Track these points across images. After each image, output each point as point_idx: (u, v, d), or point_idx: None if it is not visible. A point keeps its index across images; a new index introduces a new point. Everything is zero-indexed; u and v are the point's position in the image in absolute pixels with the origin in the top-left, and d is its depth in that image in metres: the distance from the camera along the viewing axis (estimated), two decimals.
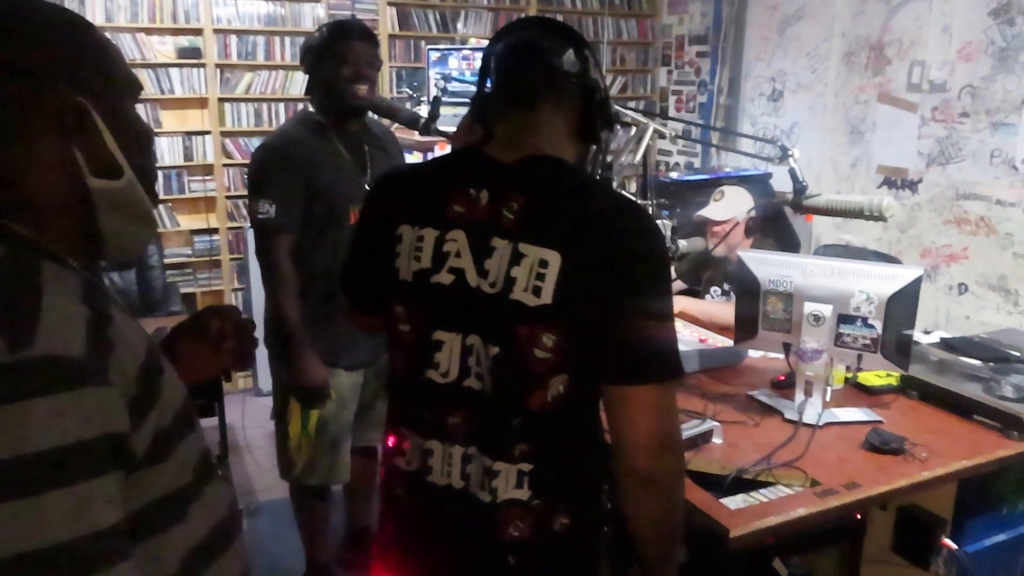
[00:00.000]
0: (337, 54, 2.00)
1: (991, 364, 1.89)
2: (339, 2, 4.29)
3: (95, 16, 3.81)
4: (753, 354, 2.08)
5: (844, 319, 1.66)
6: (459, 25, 4.66)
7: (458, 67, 3.59)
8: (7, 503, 0.58)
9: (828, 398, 1.73)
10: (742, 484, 1.43)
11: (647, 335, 0.97)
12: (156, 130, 4.04)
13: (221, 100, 4.16)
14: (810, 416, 1.67)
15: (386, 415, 1.18)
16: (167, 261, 4.01)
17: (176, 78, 4.05)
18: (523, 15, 4.64)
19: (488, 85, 1.12)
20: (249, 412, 3.55)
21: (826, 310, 1.66)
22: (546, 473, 1.03)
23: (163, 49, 4.03)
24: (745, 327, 1.82)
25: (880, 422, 1.69)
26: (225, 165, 4.23)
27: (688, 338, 2.19)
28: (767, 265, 1.77)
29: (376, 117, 2.25)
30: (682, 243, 1.98)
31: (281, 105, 4.31)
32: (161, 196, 4.12)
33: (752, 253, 1.84)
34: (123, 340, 0.69)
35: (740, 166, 4.19)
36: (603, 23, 4.97)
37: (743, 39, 4.55)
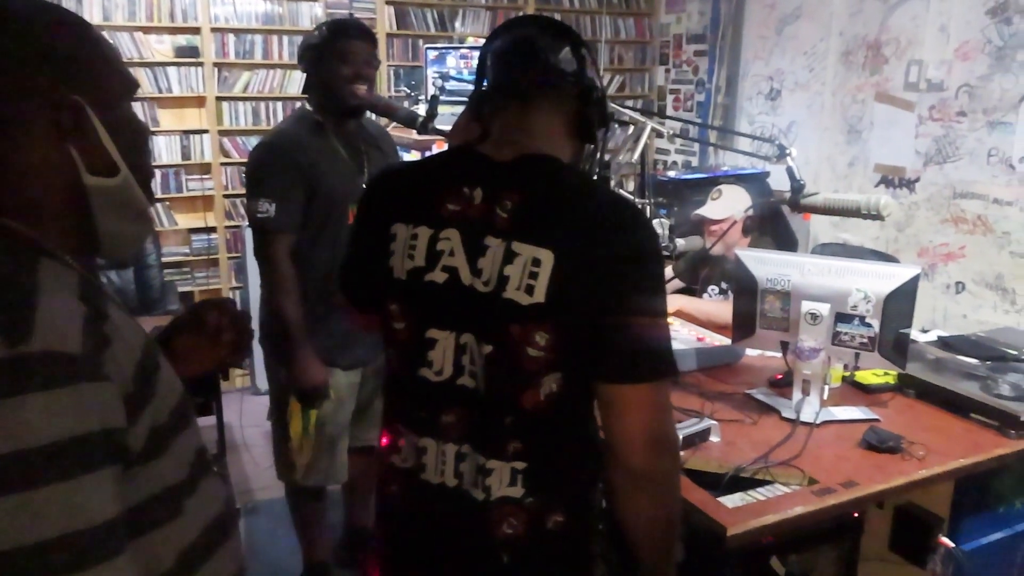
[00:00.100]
0: (336, 53, 2.00)
1: (988, 363, 1.90)
2: (337, 1, 4.29)
3: (92, 15, 3.80)
4: (751, 353, 2.08)
5: (842, 318, 1.66)
6: (457, 24, 4.66)
7: (456, 66, 3.59)
8: (3, 498, 0.59)
9: (826, 397, 1.73)
10: (739, 483, 1.43)
11: (640, 334, 0.97)
12: (154, 129, 4.04)
13: (219, 99, 4.16)
14: (808, 415, 1.67)
15: (382, 413, 1.18)
16: (165, 260, 4.01)
17: (174, 77, 4.05)
18: (521, 13, 4.63)
19: (485, 83, 1.12)
20: (246, 411, 3.55)
21: (824, 309, 1.67)
22: (539, 471, 1.03)
23: (161, 48, 4.03)
24: (743, 326, 1.82)
25: (877, 420, 1.70)
26: (223, 164, 4.22)
27: (686, 337, 2.19)
28: (765, 264, 1.77)
29: (372, 116, 2.25)
30: (680, 242, 1.99)
31: (279, 104, 4.31)
32: (159, 195, 4.12)
33: (750, 252, 1.84)
34: (119, 337, 0.70)
35: (738, 165, 4.19)
36: (601, 22, 4.97)
37: (741, 38, 4.55)
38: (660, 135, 1.93)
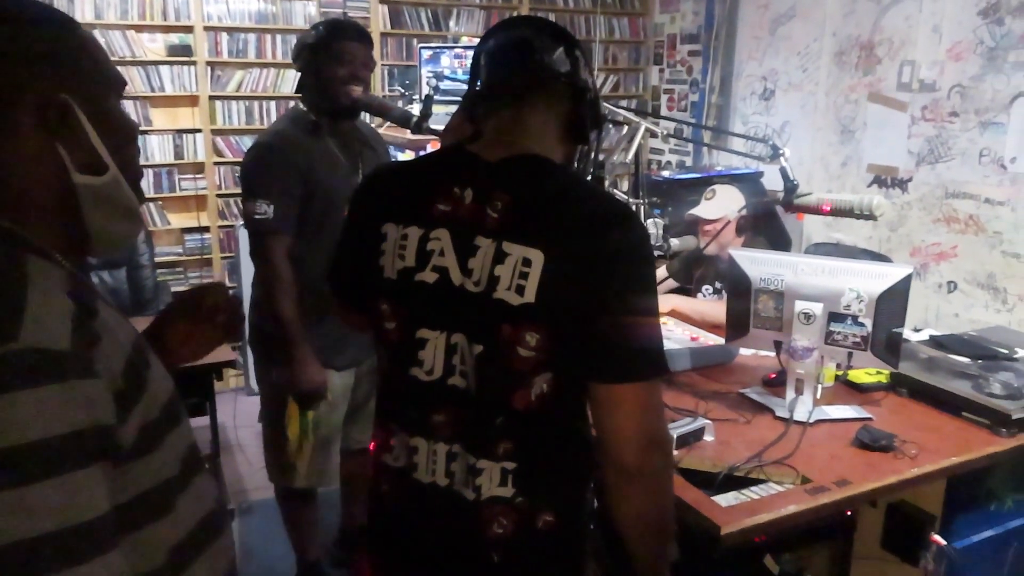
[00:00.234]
0: (332, 54, 2.00)
1: (980, 361, 1.91)
2: (331, 0, 4.28)
3: (84, 13, 3.78)
4: (744, 352, 2.09)
5: (835, 317, 1.67)
6: (451, 23, 4.66)
7: (450, 65, 3.59)
8: None
9: (819, 396, 1.74)
10: (733, 481, 1.44)
11: (631, 333, 0.97)
12: (146, 128, 4.02)
13: (212, 98, 4.14)
14: (801, 414, 1.67)
15: (374, 412, 1.18)
16: (158, 260, 3.99)
17: (166, 76, 4.03)
18: (515, 13, 4.63)
19: (479, 83, 1.12)
20: (240, 411, 3.54)
21: (817, 308, 1.67)
22: (530, 471, 1.03)
23: (153, 47, 4.01)
24: (736, 325, 1.82)
25: (870, 419, 1.70)
26: (216, 163, 4.21)
27: (680, 336, 2.19)
28: (758, 263, 1.77)
29: (366, 116, 2.25)
30: (674, 242, 1.99)
31: (272, 103, 4.29)
32: (152, 194, 4.10)
33: (743, 252, 1.85)
34: (109, 333, 0.70)
35: (732, 165, 4.20)
36: (595, 21, 4.97)
37: (735, 38, 4.56)
38: (654, 135, 1.93)
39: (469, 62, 1.13)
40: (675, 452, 1.52)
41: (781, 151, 1.90)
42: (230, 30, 4.13)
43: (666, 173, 4.18)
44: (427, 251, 1.02)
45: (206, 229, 4.25)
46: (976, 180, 3.29)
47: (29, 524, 0.60)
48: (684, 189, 3.61)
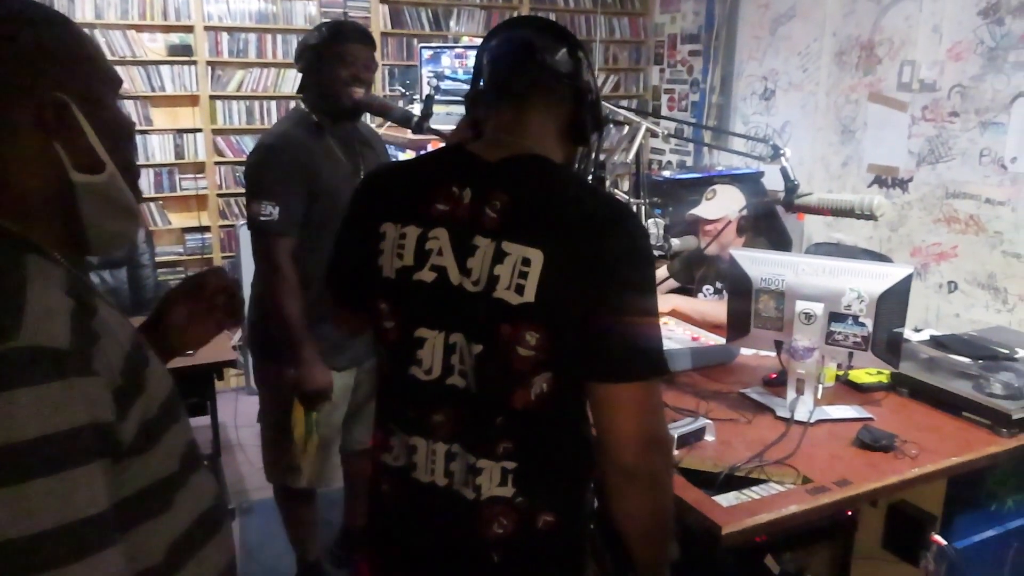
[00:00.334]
0: (335, 55, 2.00)
1: (980, 361, 1.91)
2: (331, 0, 4.28)
3: (85, 13, 3.79)
4: (745, 352, 2.09)
5: (835, 317, 1.67)
6: (452, 23, 4.66)
7: (451, 65, 3.59)
8: None
9: (819, 396, 1.74)
10: (734, 481, 1.44)
11: (631, 333, 0.97)
12: (147, 128, 4.02)
13: (212, 98, 4.14)
14: (801, 414, 1.68)
15: (375, 411, 1.18)
16: (158, 259, 3.99)
17: (167, 76, 4.03)
18: (516, 13, 4.64)
19: (481, 82, 1.12)
20: (241, 411, 3.54)
21: (817, 308, 1.67)
22: (530, 471, 1.03)
23: (154, 46, 4.01)
24: (737, 325, 1.82)
25: (871, 419, 1.70)
26: (217, 163, 4.21)
27: (680, 336, 2.20)
28: (759, 263, 1.77)
29: (367, 117, 2.25)
30: (675, 242, 1.99)
31: (273, 103, 4.30)
32: (152, 194, 4.10)
33: (744, 252, 1.85)
34: (108, 331, 0.70)
35: (732, 165, 4.21)
36: (595, 21, 4.97)
37: (735, 38, 4.56)
38: (655, 135, 1.93)
39: (469, 62, 1.14)
40: (676, 452, 1.52)
41: (782, 151, 1.90)
42: (230, 30, 4.13)
43: (667, 173, 4.19)
44: (425, 250, 1.02)
45: (207, 229, 4.26)
46: (976, 180, 3.29)
47: (28, 521, 0.60)
48: (685, 189, 3.61)
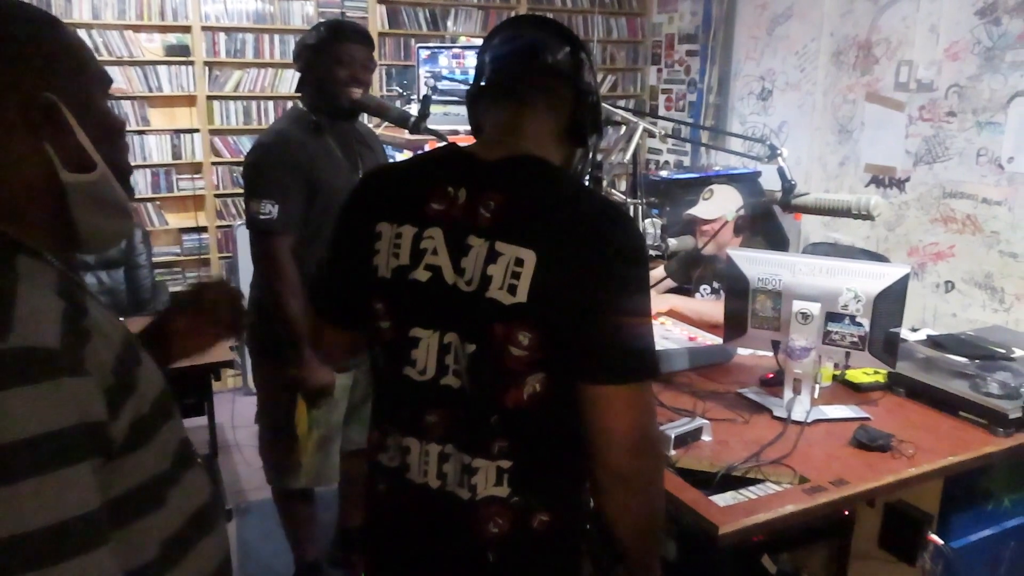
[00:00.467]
0: (333, 55, 2.00)
1: (977, 361, 1.91)
2: (329, 0, 4.28)
3: (82, 13, 3.78)
4: (742, 352, 2.09)
5: (832, 317, 1.67)
6: (449, 23, 4.65)
7: (448, 65, 3.59)
8: None
9: (816, 395, 1.74)
10: (731, 481, 1.44)
11: (622, 335, 0.97)
12: (144, 128, 4.02)
13: (210, 98, 4.14)
14: (798, 413, 1.68)
15: (371, 411, 1.18)
16: (156, 260, 3.99)
17: (164, 76, 4.03)
18: (513, 13, 4.63)
19: (482, 81, 1.12)
20: (238, 411, 3.54)
21: (814, 308, 1.67)
22: (525, 470, 1.03)
23: (151, 47, 4.01)
24: (734, 325, 1.82)
25: (868, 419, 1.71)
26: (214, 163, 4.21)
27: (678, 336, 2.20)
28: (756, 263, 1.78)
29: (365, 117, 2.25)
30: (672, 241, 1.99)
31: (270, 103, 4.29)
32: (150, 194, 4.10)
33: (741, 251, 1.85)
34: (99, 331, 0.71)
35: (729, 165, 4.21)
36: (593, 21, 4.98)
37: (732, 38, 4.56)
38: (652, 135, 1.93)
39: (467, 62, 1.14)
40: (673, 452, 1.52)
41: (779, 151, 1.90)
42: (228, 30, 4.13)
43: (664, 173, 4.19)
44: (420, 249, 1.02)
45: (204, 229, 4.25)
46: (973, 180, 3.30)
47: (19, 521, 0.61)
48: (682, 189, 3.61)
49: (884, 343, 1.66)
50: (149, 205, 4.12)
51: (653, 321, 2.33)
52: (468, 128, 1.18)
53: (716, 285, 2.61)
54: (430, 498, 1.06)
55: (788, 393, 1.72)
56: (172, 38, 4.03)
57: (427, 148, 2.98)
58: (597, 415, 0.99)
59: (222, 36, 4.12)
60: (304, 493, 2.31)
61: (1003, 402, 1.66)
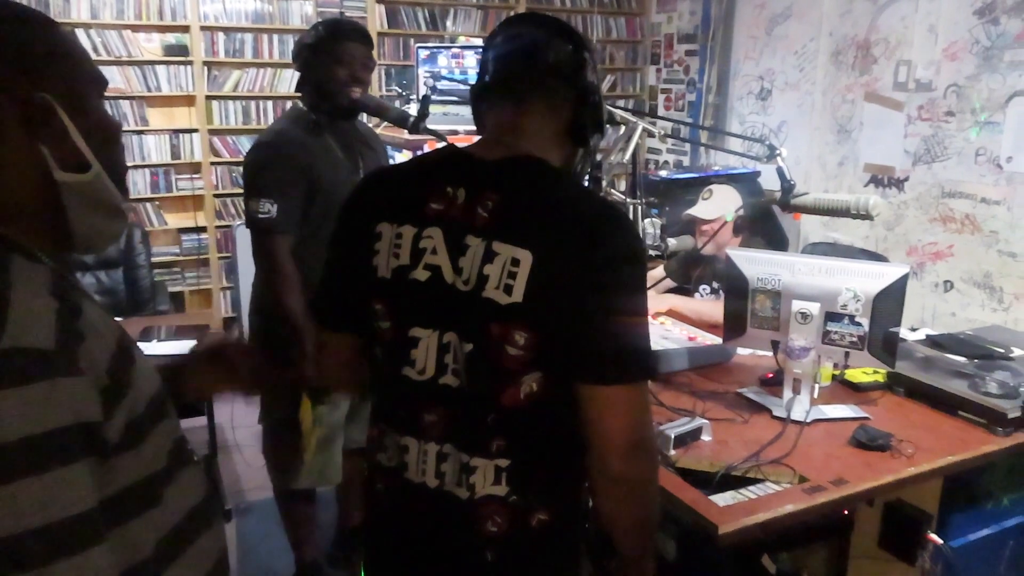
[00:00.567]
0: (333, 54, 2.00)
1: (976, 361, 1.91)
2: (328, 0, 4.28)
3: (81, 13, 3.78)
4: (742, 352, 2.09)
5: (831, 317, 1.67)
6: (448, 23, 4.66)
7: (447, 65, 3.59)
8: None
9: (816, 395, 1.74)
10: (731, 481, 1.44)
11: (618, 335, 0.97)
12: (143, 128, 4.02)
13: (209, 98, 4.14)
14: (798, 413, 1.68)
15: (370, 410, 1.18)
16: (155, 260, 3.99)
17: (163, 76, 4.02)
18: (512, 13, 4.63)
19: (486, 79, 1.12)
20: (238, 412, 3.52)
21: (814, 308, 1.67)
22: (524, 469, 1.03)
23: (150, 46, 4.00)
24: (734, 325, 1.83)
25: (867, 419, 1.71)
26: (213, 163, 4.20)
27: (677, 336, 2.20)
28: (755, 263, 1.78)
29: (364, 117, 2.25)
30: (671, 241, 1.99)
31: (269, 103, 4.29)
32: (149, 194, 4.10)
33: (741, 251, 1.85)
34: (93, 331, 0.71)
35: (729, 164, 4.21)
36: (592, 21, 4.98)
37: (731, 38, 4.57)
38: (651, 135, 1.93)
39: (466, 62, 1.13)
40: (673, 452, 1.52)
41: (778, 151, 1.90)
42: (227, 30, 4.13)
43: (663, 173, 4.19)
44: (420, 249, 1.03)
45: (203, 229, 4.25)
46: (972, 180, 3.30)
47: (14, 520, 0.61)
48: (681, 189, 3.61)
49: (883, 343, 1.66)
50: (148, 205, 4.12)
51: (653, 321, 2.34)
52: (468, 128, 1.19)
53: (715, 285, 2.61)
54: (429, 497, 1.06)
55: (787, 393, 1.72)
56: (171, 38, 4.02)
57: (426, 148, 2.98)
58: (592, 416, 0.99)
59: (221, 36, 4.12)
60: (306, 493, 2.31)
61: (1002, 401, 1.66)
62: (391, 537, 1.13)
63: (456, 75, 3.15)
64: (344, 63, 2.00)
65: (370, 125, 2.48)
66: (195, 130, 4.13)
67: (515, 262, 0.96)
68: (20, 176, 0.74)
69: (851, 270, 1.69)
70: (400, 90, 3.87)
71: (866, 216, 1.77)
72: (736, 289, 1.80)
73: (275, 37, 4.24)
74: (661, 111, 5.06)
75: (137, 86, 3.95)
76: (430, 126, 2.11)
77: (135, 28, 3.94)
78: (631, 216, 1.76)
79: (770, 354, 1.81)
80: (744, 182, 3.43)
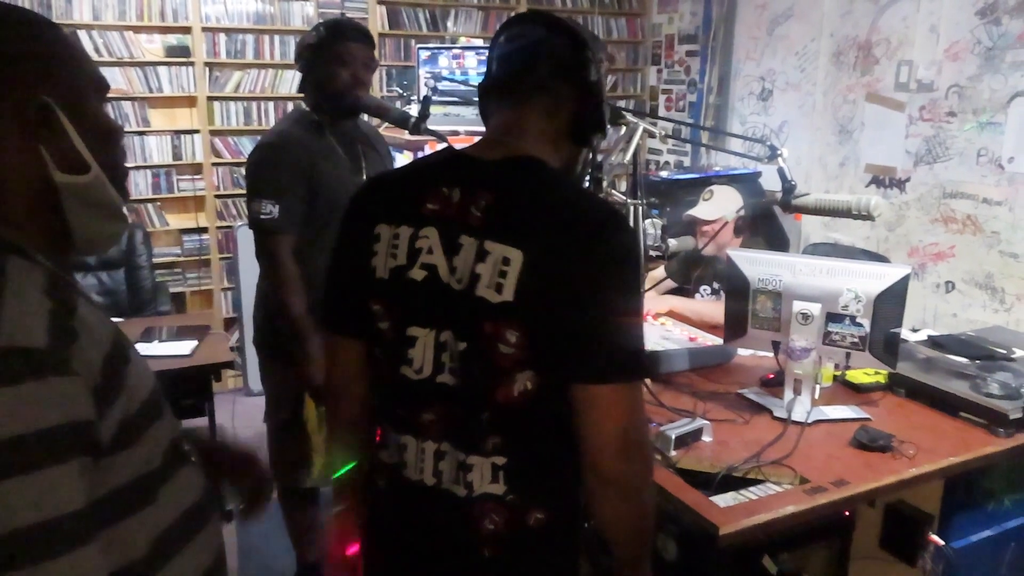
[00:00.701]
0: (334, 55, 2.00)
1: (977, 362, 1.91)
2: (329, 0, 4.28)
3: (83, 14, 3.78)
4: (742, 352, 2.09)
5: (832, 317, 1.67)
6: (449, 24, 4.66)
7: (448, 66, 3.59)
8: None
9: (817, 396, 1.74)
10: (732, 482, 1.44)
11: (611, 335, 0.97)
12: (144, 129, 4.02)
13: (210, 99, 4.14)
14: (799, 414, 1.68)
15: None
16: (156, 260, 3.99)
17: (164, 77, 4.03)
18: (513, 14, 4.63)
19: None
20: (239, 412, 3.53)
21: (815, 309, 1.67)
22: (520, 468, 1.03)
23: (151, 47, 4.01)
24: (735, 326, 1.82)
25: (868, 420, 1.71)
26: (214, 164, 4.21)
27: (678, 337, 2.20)
28: (756, 264, 1.78)
29: (365, 117, 2.25)
30: (672, 242, 1.99)
31: (271, 104, 4.29)
32: (150, 195, 4.10)
33: (741, 252, 1.85)
34: (87, 330, 0.71)
35: (730, 165, 4.21)
36: (593, 22, 4.97)
37: (732, 38, 4.56)
38: (652, 135, 1.93)
39: (467, 63, 1.14)
40: (673, 452, 1.52)
41: (779, 151, 1.90)
42: (228, 31, 4.13)
43: (664, 173, 4.19)
44: (416, 249, 1.03)
45: (204, 230, 4.25)
46: (974, 180, 3.30)
47: (6, 519, 0.61)
48: (682, 189, 3.61)
49: (884, 343, 1.66)
50: (149, 206, 4.12)
51: (653, 322, 2.34)
52: (469, 128, 1.19)
53: (716, 286, 2.61)
54: (427, 495, 1.06)
55: (788, 394, 1.72)
56: (172, 39, 4.03)
57: (427, 149, 2.98)
58: (586, 416, 0.99)
59: (222, 37, 4.12)
60: (310, 493, 2.31)
61: (1003, 402, 1.66)
62: (390, 534, 1.14)
63: (457, 76, 3.16)
64: (346, 63, 2.00)
65: (374, 125, 2.48)
66: (196, 131, 4.14)
67: (506, 261, 0.97)
68: (18, 177, 0.74)
69: (852, 271, 1.69)
70: (401, 91, 3.86)
71: (867, 217, 1.77)
72: (737, 290, 1.80)
73: (276, 38, 4.24)
74: (662, 112, 5.06)
75: (139, 87, 3.95)
76: (431, 127, 2.12)
77: (137, 29, 3.95)
78: (632, 217, 1.76)
79: (771, 355, 1.81)
80: (745, 183, 3.43)
